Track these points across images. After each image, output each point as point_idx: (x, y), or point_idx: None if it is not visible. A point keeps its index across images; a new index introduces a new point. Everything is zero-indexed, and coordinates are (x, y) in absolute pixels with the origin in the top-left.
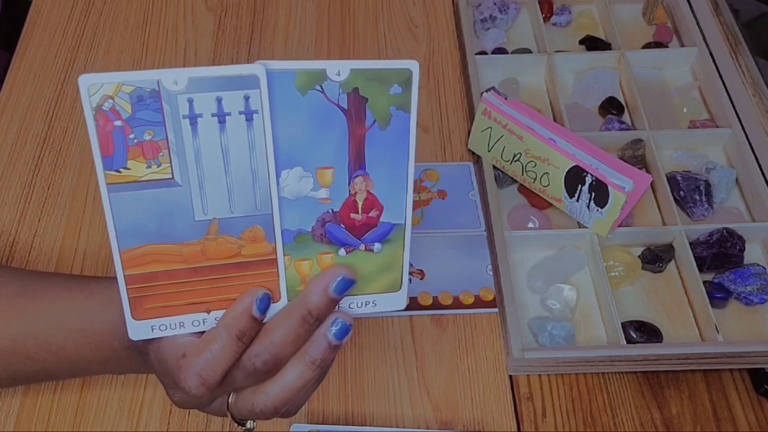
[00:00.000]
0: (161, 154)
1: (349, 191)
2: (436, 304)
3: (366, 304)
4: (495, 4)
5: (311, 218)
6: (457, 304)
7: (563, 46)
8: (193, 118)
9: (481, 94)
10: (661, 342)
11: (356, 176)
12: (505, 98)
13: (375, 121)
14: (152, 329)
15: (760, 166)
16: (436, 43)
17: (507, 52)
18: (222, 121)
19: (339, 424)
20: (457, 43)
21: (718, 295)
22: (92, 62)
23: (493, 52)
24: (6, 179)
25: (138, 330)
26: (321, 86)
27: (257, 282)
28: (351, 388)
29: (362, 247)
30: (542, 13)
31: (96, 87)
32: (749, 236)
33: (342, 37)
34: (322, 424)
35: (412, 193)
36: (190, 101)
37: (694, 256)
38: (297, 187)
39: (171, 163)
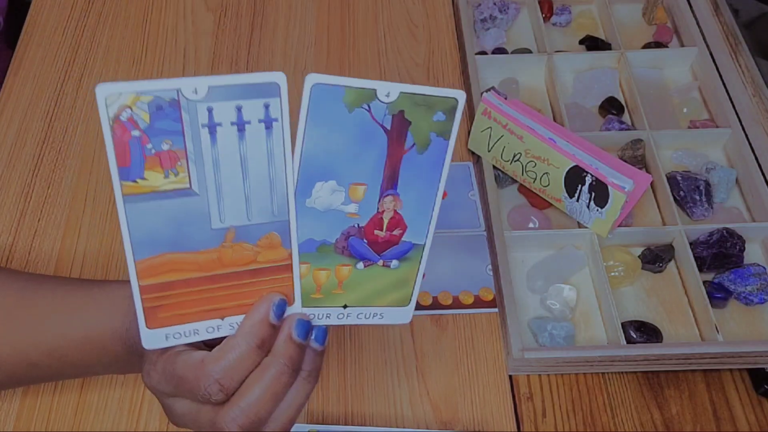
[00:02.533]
0: (179, 163)
1: (378, 208)
2: (435, 304)
3: (373, 316)
4: (495, 4)
5: (337, 231)
6: (456, 304)
7: (563, 46)
8: (213, 127)
9: (481, 94)
10: (661, 342)
11: (387, 195)
12: (505, 98)
13: (414, 144)
14: (166, 338)
15: (760, 166)
16: (436, 43)
17: (507, 52)
18: (241, 129)
19: (339, 424)
20: (456, 42)
21: (718, 295)
22: (92, 62)
23: (493, 52)
24: (5, 179)
25: (152, 339)
26: (368, 105)
27: (272, 287)
28: (351, 388)
29: (380, 262)
30: (542, 13)
31: (114, 97)
32: (749, 236)
33: (342, 37)
34: (322, 424)
35: (437, 217)
36: (210, 110)
37: (694, 256)
38: (328, 200)
39: (188, 172)
